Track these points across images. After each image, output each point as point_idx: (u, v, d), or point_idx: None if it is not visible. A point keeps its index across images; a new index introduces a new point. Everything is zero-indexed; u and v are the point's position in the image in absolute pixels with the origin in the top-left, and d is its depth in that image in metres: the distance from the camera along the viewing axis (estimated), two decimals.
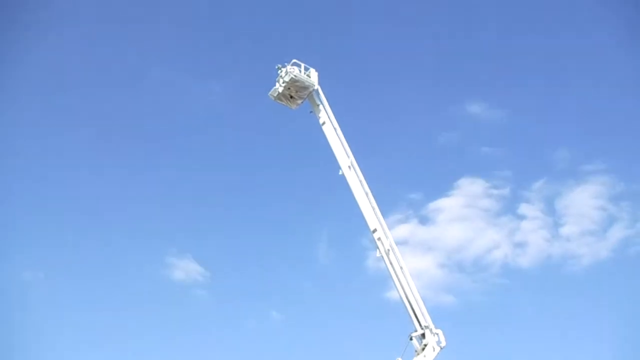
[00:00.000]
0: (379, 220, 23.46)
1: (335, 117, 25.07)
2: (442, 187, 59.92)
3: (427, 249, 52.38)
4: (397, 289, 22.75)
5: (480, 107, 62.88)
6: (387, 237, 23.22)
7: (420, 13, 68.32)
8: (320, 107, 25.08)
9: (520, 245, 55.44)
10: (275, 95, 25.47)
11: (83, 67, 62.85)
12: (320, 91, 25.33)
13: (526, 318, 51.54)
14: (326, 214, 58.43)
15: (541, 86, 64.71)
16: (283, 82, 24.93)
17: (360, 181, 23.95)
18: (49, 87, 61.19)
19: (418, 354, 21.57)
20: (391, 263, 22.87)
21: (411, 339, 21.90)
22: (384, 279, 50.72)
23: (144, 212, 58.80)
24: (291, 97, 25.50)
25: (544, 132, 63.21)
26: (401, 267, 22.82)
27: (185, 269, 54.23)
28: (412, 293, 22.50)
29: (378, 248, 23.19)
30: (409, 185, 61.92)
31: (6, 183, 50.73)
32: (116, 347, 45.29)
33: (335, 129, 24.73)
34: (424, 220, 57.16)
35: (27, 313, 41.88)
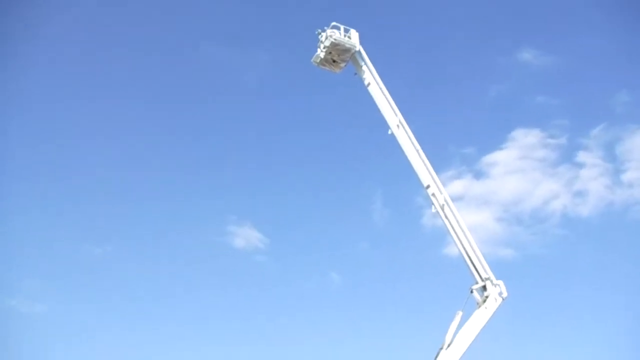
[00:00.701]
0: (431, 176, 23.46)
1: (381, 77, 24.95)
2: (495, 140, 58.88)
3: (483, 203, 51.35)
4: (455, 243, 22.87)
5: (531, 55, 60.78)
6: (441, 192, 23.23)
7: None
8: (364, 67, 24.93)
9: (579, 194, 54.06)
10: (317, 61, 25.40)
11: (127, 43, 64.21)
12: (362, 52, 25.13)
13: (588, 270, 50.58)
14: (379, 174, 58.69)
15: (594, 29, 61.19)
16: (324, 47, 24.82)
17: (410, 138, 23.88)
18: (96, 61, 63.07)
19: (480, 306, 21.71)
20: (447, 217, 22.95)
21: (472, 291, 22.03)
22: (441, 236, 50.54)
23: (203, 182, 60.54)
24: (334, 61, 25.37)
25: (600, 76, 60.49)
26: (457, 221, 22.87)
27: (246, 236, 55.49)
28: (471, 246, 22.59)
29: (433, 204, 23.27)
30: (462, 141, 60.25)
31: (69, 161, 54.51)
32: (183, 316, 48.26)
33: (380, 88, 24.61)
34: (478, 175, 56.50)
35: (101, 282, 45.68)
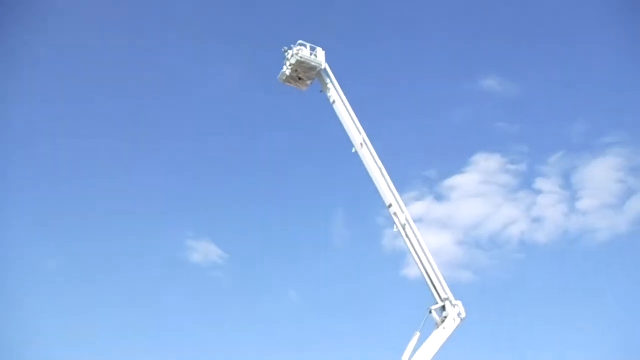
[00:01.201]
0: (394, 195, 23.51)
1: (347, 96, 25.01)
2: (456, 164, 59.84)
3: (443, 226, 52.02)
4: (415, 263, 22.95)
5: (494, 82, 62.25)
6: (402, 212, 23.30)
7: None
8: (330, 85, 24.98)
9: (537, 220, 55.33)
10: (283, 78, 25.40)
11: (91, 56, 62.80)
12: (328, 70, 25.20)
13: (543, 293, 51.71)
14: (340, 194, 59.28)
15: (555, 59, 63.90)
16: (290, 65, 24.85)
17: (374, 157, 23.95)
18: (57, 73, 61.33)
19: (438, 327, 21.72)
20: (408, 237, 23.04)
21: (430, 312, 22.05)
22: (400, 257, 51.27)
23: (162, 194, 59.72)
24: (300, 78, 25.41)
25: (559, 105, 62.46)
26: (418, 241, 22.95)
27: (204, 251, 54.89)
28: (431, 266, 22.69)
29: (395, 223, 23.30)
30: (424, 163, 61.38)
31: (14, 173, 51.67)
32: (134, 330, 46.81)
33: (346, 106, 24.67)
34: (439, 198, 57.24)
35: (47, 300, 43.48)
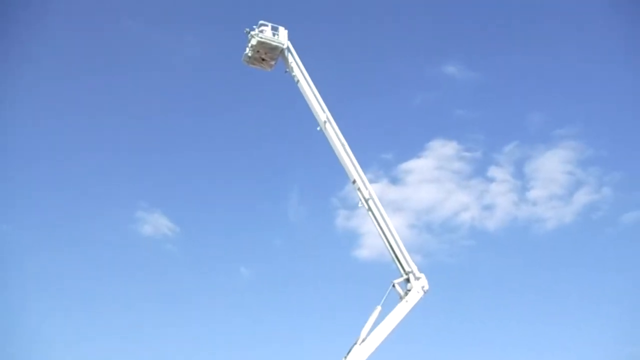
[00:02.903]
0: (357, 172, 23.62)
1: (311, 75, 24.95)
2: (413, 148, 60.77)
3: (396, 208, 52.37)
4: (380, 236, 23.10)
5: (455, 69, 62.73)
6: (366, 187, 23.44)
7: None
8: (293, 64, 24.96)
9: (488, 207, 56.28)
10: (247, 60, 25.43)
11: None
12: (291, 48, 25.12)
13: (491, 280, 53.25)
14: (297, 171, 60.20)
15: (517, 49, 64.67)
16: (251, 46, 24.87)
17: (337, 135, 23.98)
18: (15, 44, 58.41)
19: (402, 300, 21.77)
20: (372, 211, 23.17)
21: (394, 285, 22.11)
22: (352, 238, 54.40)
23: (116, 165, 59.28)
24: (263, 59, 25.42)
25: (518, 95, 63.88)
26: (382, 215, 23.05)
27: (155, 223, 54.53)
28: (394, 239, 22.76)
29: (359, 198, 23.41)
30: (381, 146, 61.29)
31: None
32: (84, 304, 46.19)
33: (309, 85, 24.67)
34: (394, 181, 57.65)
35: None
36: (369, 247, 52.80)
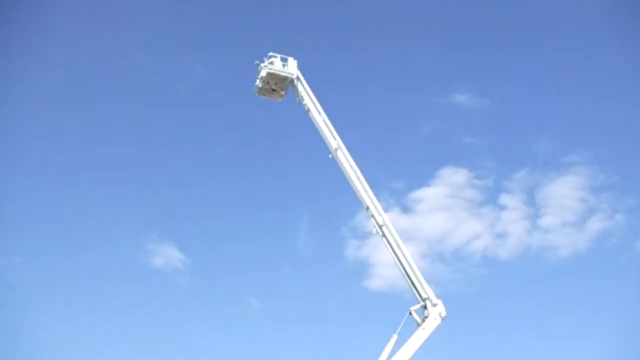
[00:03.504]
0: (370, 198, 23.45)
1: (322, 103, 24.97)
2: (424, 176, 60.65)
3: (408, 238, 50.11)
4: (395, 262, 22.79)
5: (464, 97, 62.35)
6: (380, 214, 23.20)
7: (405, 3, 68.30)
8: (303, 93, 25.07)
9: (500, 236, 55.55)
10: (257, 91, 25.64)
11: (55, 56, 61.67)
12: (301, 78, 25.25)
13: (505, 309, 52.33)
14: (306, 202, 59.86)
15: (525, 75, 64.58)
16: (261, 77, 25.09)
17: (349, 162, 23.92)
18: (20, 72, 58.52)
19: (419, 327, 21.27)
20: (385, 237, 22.94)
21: (410, 313, 21.64)
22: (362, 268, 53.89)
23: (126, 198, 58.96)
24: (273, 90, 25.60)
25: (527, 122, 63.20)
26: (396, 241, 22.79)
27: (166, 255, 54.35)
28: (410, 265, 22.40)
29: (374, 226, 23.20)
30: (391, 174, 60.34)
31: None
32: (94, 336, 45.86)
33: (320, 113, 24.72)
34: (405, 209, 56.91)
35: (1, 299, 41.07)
36: (380, 277, 52.61)
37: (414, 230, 55.54)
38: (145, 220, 56.86)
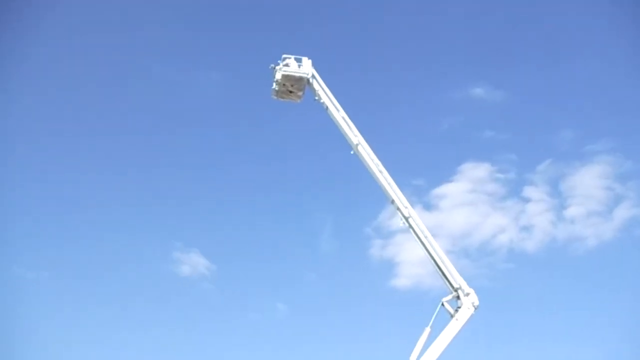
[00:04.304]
0: (394, 191, 23.25)
1: (340, 102, 24.89)
2: (445, 172, 58.97)
3: (432, 235, 50.92)
4: (426, 253, 22.51)
5: (483, 90, 61.28)
6: (405, 206, 22.97)
7: None
8: (320, 92, 24.98)
9: (525, 229, 54.52)
10: (275, 94, 25.75)
11: (76, 65, 63.18)
12: (317, 76, 25.16)
13: (533, 303, 50.92)
14: (329, 204, 59.30)
15: (543, 66, 62.92)
16: (276, 81, 25.17)
17: (371, 156, 23.78)
18: (43, 86, 61.43)
19: (452, 319, 20.87)
20: (412, 228, 22.75)
21: (442, 304, 21.24)
22: (388, 267, 53.69)
23: (148, 209, 59.22)
24: (290, 92, 25.62)
25: (547, 112, 61.74)
26: (423, 232, 22.63)
27: (192, 263, 54.64)
28: (439, 255, 22.11)
29: (401, 218, 23.01)
30: (412, 172, 58.84)
31: (6, 182, 50.75)
32: (123, 344, 45.97)
33: (338, 110, 24.61)
34: (428, 207, 55.62)
35: (31, 313, 42.20)
36: (407, 276, 52.40)
37: (438, 227, 54.68)
38: (170, 230, 57.92)
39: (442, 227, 54.76)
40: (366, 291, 53.32)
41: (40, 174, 57.84)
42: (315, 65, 25.49)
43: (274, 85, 25.50)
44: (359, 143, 23.94)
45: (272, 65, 25.65)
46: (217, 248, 57.34)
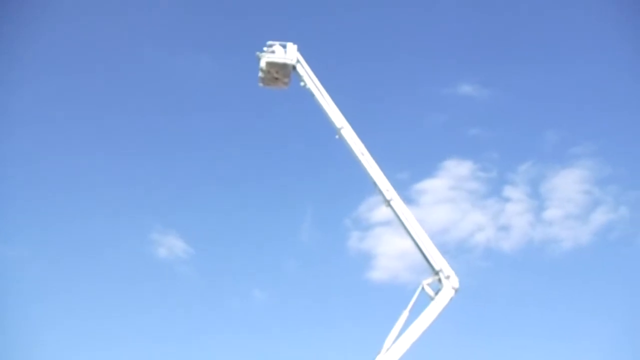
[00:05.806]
0: (376, 174, 23.02)
1: (328, 91, 24.55)
2: (428, 168, 58.68)
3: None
4: (408, 235, 22.20)
5: (471, 87, 60.59)
6: (387, 189, 22.74)
7: None
8: (305, 77, 24.72)
9: (504, 228, 54.61)
10: (261, 82, 25.58)
11: (62, 47, 60.50)
12: (302, 61, 24.92)
13: (508, 301, 51.25)
14: (310, 193, 59.08)
15: (534, 65, 61.38)
16: (261, 68, 25.04)
17: (354, 140, 23.50)
18: (27, 69, 56.24)
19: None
20: (395, 212, 22.46)
21: (423, 287, 20.65)
22: (366, 259, 53.95)
23: (127, 188, 58.39)
24: (276, 78, 25.44)
25: (532, 113, 61.21)
26: (404, 214, 22.38)
27: (169, 245, 54.06)
28: (421, 238, 21.75)
29: (384, 200, 22.75)
30: (395, 166, 58.01)
31: None
32: (97, 328, 45.15)
33: (323, 95, 24.32)
34: (409, 201, 53.88)
35: (6, 291, 39.89)
36: (383, 269, 52.64)
37: (418, 222, 55.05)
38: (149, 210, 57.24)
39: (422, 223, 54.27)
40: (343, 281, 53.99)
41: (19, 155, 54.66)
42: (303, 54, 25.25)
43: (260, 73, 25.40)
44: (343, 127, 23.62)
45: (258, 53, 25.60)
46: (196, 232, 57.17)
